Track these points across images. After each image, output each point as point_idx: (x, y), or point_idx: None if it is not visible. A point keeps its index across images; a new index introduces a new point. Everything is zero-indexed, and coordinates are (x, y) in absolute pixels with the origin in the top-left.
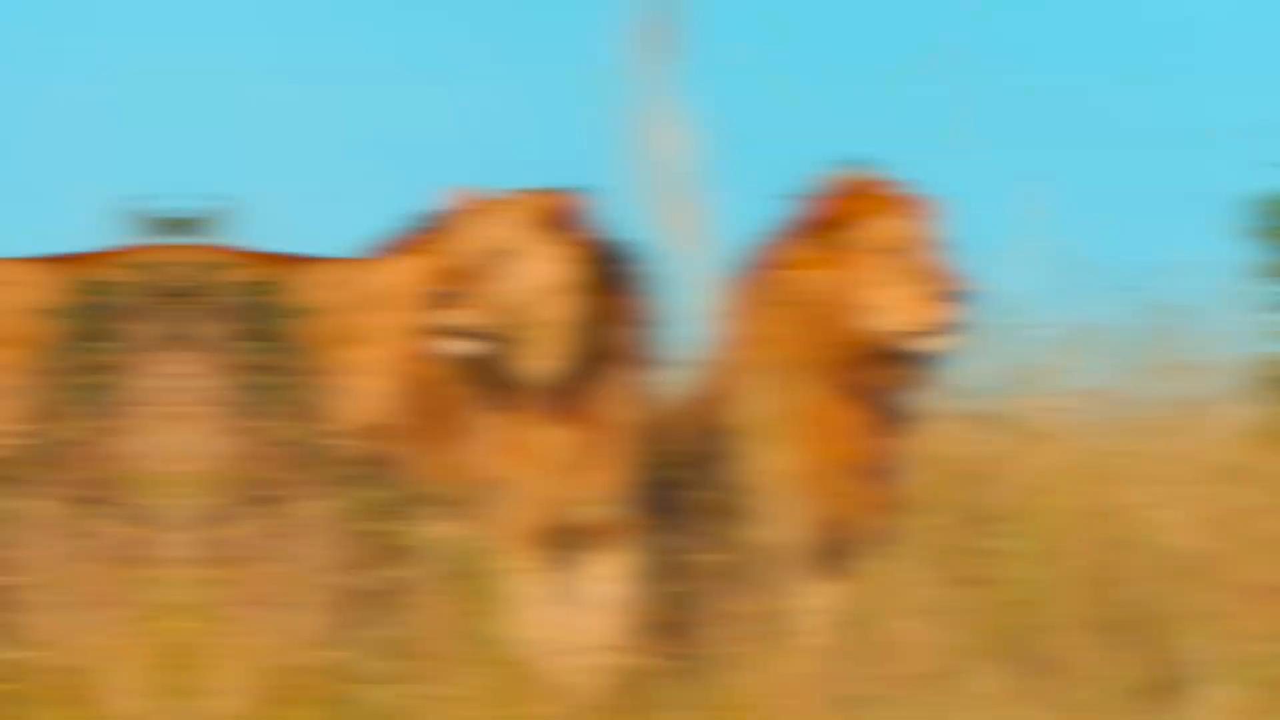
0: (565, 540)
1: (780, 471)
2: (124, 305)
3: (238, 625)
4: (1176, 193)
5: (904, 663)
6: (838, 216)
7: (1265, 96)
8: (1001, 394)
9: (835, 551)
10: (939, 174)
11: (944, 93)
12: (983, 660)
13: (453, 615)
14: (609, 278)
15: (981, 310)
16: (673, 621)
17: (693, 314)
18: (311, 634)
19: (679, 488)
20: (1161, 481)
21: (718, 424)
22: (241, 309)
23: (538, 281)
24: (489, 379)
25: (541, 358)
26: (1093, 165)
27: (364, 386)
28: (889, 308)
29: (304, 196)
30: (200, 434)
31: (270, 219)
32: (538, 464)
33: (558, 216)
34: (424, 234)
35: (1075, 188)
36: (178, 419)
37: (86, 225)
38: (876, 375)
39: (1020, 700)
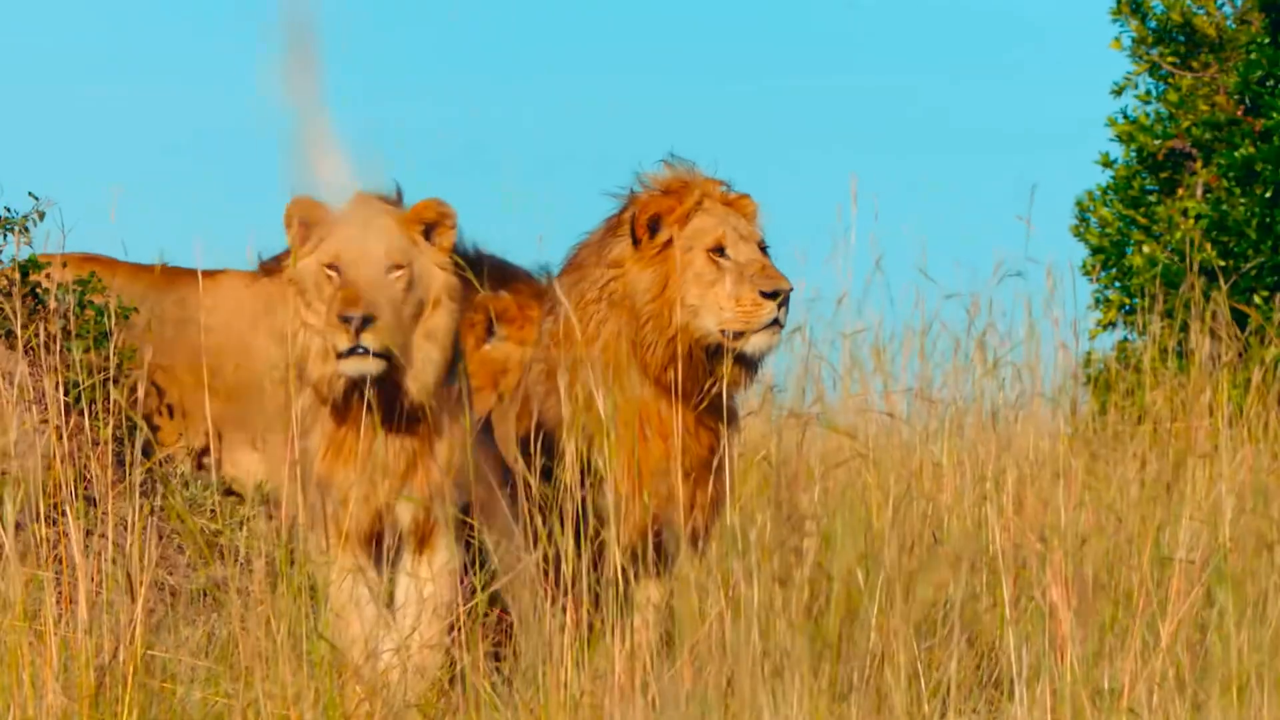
0: (388, 540)
1: (607, 469)
2: None
3: (55, 623)
4: (1001, 192)
5: (726, 661)
6: (659, 215)
7: (1086, 96)
8: (821, 394)
9: (660, 549)
10: (762, 174)
11: (768, 90)
12: (803, 659)
13: (272, 614)
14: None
15: (802, 310)
16: (494, 621)
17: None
18: (130, 632)
19: (504, 486)
20: (981, 480)
21: (543, 423)
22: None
23: (431, 294)
24: (374, 393)
25: (428, 371)
26: (919, 164)
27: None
28: (709, 307)
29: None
30: (17, 432)
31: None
32: (364, 465)
33: (432, 226)
34: (294, 245)
35: (900, 187)
36: None
37: None
38: (699, 374)
39: (840, 699)
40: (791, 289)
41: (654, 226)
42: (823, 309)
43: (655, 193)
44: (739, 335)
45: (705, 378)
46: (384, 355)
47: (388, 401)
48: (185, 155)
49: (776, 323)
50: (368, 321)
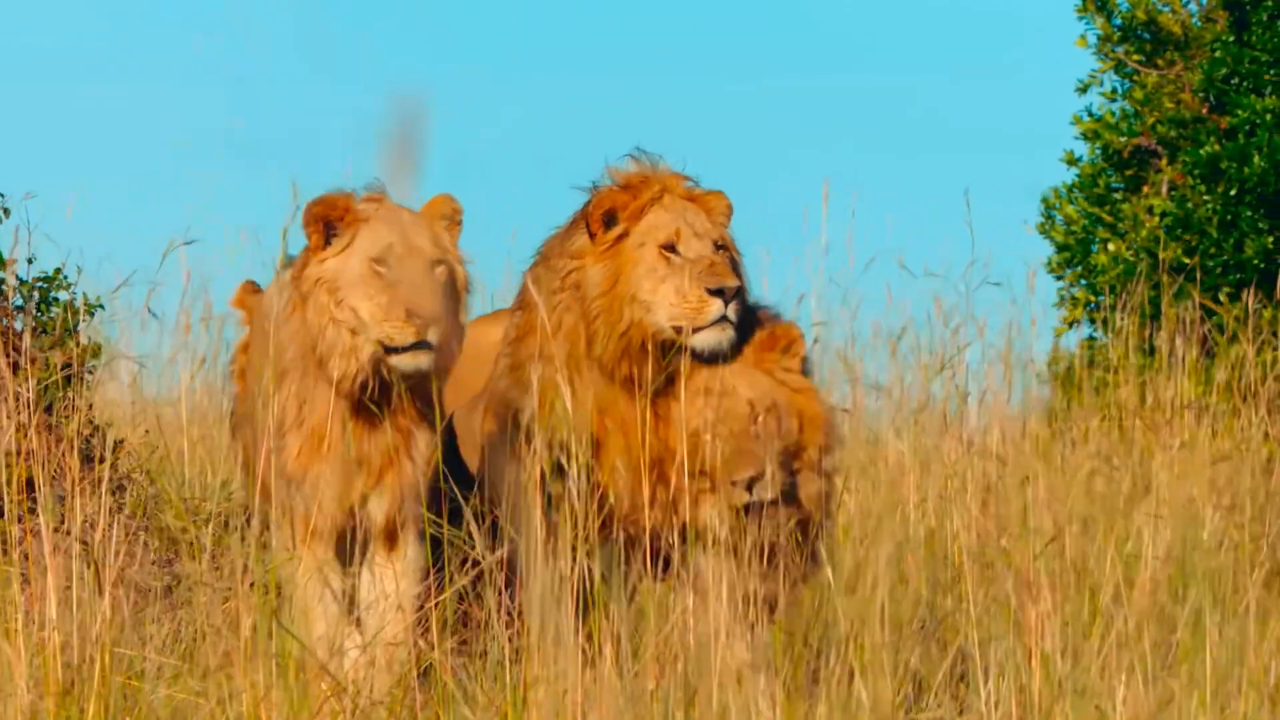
0: (356, 538)
1: (570, 463)
2: None
3: (22, 620)
4: (971, 191)
5: (694, 659)
6: (613, 210)
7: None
8: None
9: (624, 546)
10: (753, 174)
11: (756, 91)
12: (771, 655)
13: (241, 612)
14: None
15: (769, 308)
16: (460, 617)
17: None
18: (97, 630)
19: (468, 484)
20: (946, 477)
21: (505, 416)
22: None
23: (459, 288)
24: (404, 386)
25: (452, 365)
26: (890, 164)
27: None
28: (659, 302)
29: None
30: None
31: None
32: (337, 462)
33: (455, 218)
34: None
35: (872, 186)
36: None
37: None
38: (654, 368)
39: (809, 695)
40: (739, 286)
41: (609, 221)
42: (795, 306)
43: (613, 187)
44: (688, 331)
45: (660, 373)
46: (435, 350)
47: (402, 393)
48: (185, 154)
49: (725, 319)
50: (436, 319)
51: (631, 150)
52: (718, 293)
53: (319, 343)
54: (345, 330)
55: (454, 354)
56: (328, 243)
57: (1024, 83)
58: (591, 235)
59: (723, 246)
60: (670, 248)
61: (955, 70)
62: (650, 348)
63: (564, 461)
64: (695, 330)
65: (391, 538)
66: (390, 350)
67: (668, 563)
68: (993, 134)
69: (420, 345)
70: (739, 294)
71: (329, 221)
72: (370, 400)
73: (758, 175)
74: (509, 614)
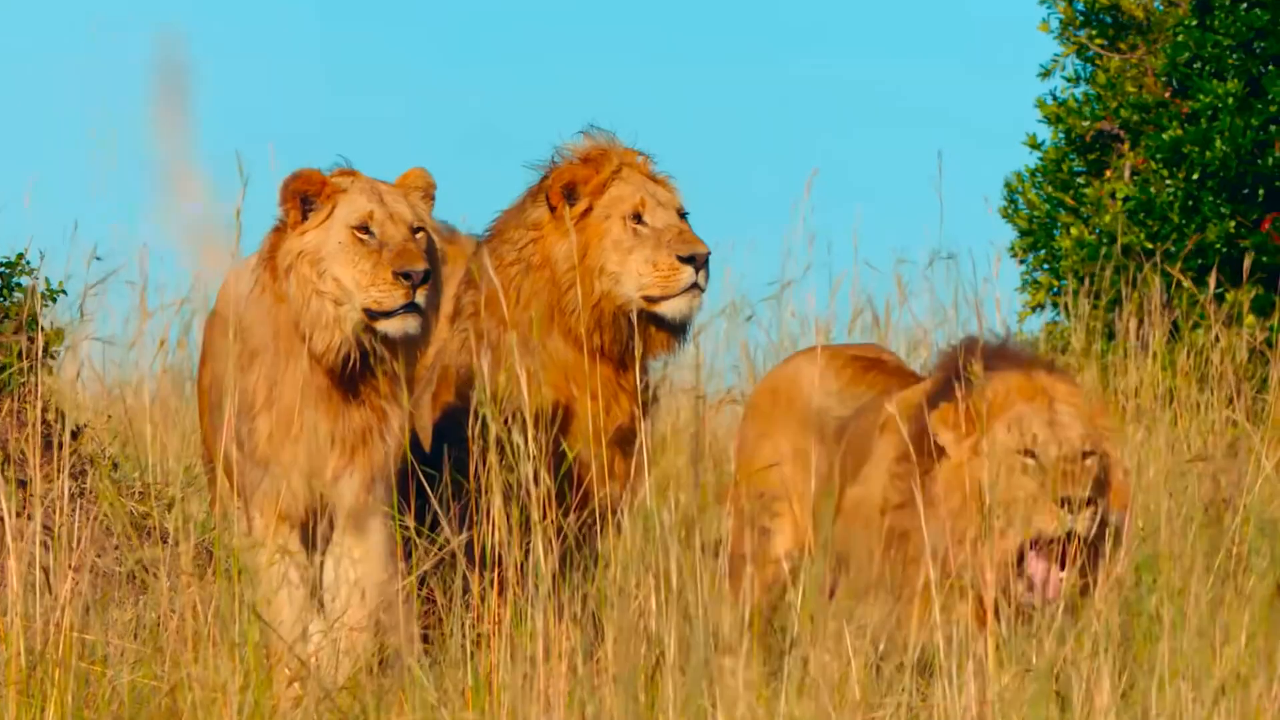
0: (323, 521)
1: (529, 439)
2: None
3: None
4: (935, 175)
5: (655, 642)
6: (574, 184)
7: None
8: (753, 374)
9: (584, 522)
10: (701, 159)
11: (714, 78)
12: (727, 639)
13: (203, 597)
14: None
15: (729, 289)
16: (423, 602)
17: None
18: (60, 615)
19: (431, 466)
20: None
21: (466, 389)
22: None
23: (438, 256)
24: (389, 356)
25: (435, 334)
26: (852, 148)
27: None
28: (628, 273)
29: None
30: None
31: None
32: (308, 443)
33: (429, 192)
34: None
35: (832, 170)
36: None
37: None
38: (624, 339)
39: (765, 681)
40: (709, 252)
41: (570, 194)
42: (753, 289)
43: (573, 161)
44: (659, 300)
45: (629, 342)
46: (424, 313)
47: (382, 369)
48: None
49: (695, 286)
50: (427, 277)
51: (584, 127)
52: (688, 260)
53: (301, 316)
54: (329, 301)
55: (436, 324)
56: (304, 218)
57: (987, 67)
58: (552, 208)
59: (685, 215)
60: (636, 218)
61: (917, 54)
62: (620, 319)
63: (529, 431)
64: (667, 298)
65: (359, 521)
66: (378, 316)
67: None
68: (956, 118)
69: (410, 308)
70: (708, 261)
71: (305, 196)
72: (349, 375)
73: (715, 161)
74: (471, 599)
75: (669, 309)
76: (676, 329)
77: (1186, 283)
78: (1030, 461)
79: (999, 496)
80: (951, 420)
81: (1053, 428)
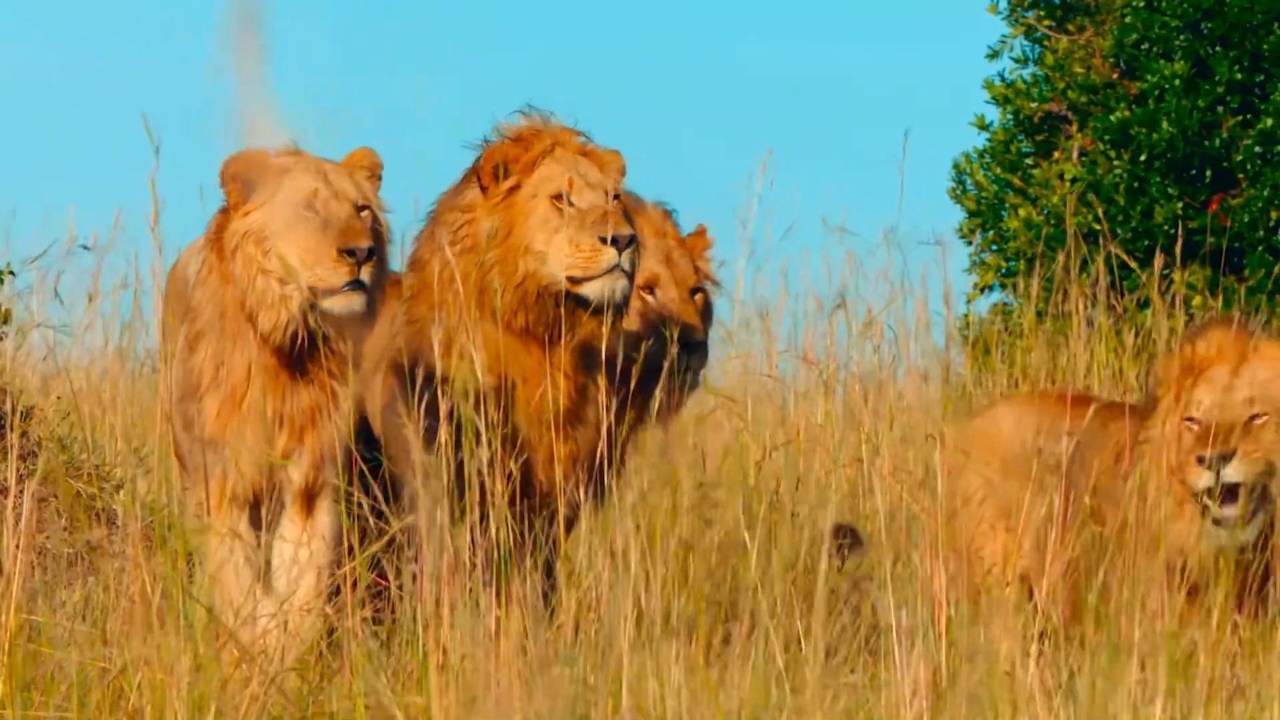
0: (270, 502)
1: (473, 420)
2: None
3: None
4: (886, 157)
5: (599, 623)
6: (505, 162)
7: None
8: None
9: (528, 504)
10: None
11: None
12: (686, 622)
13: (151, 578)
14: None
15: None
16: (371, 582)
17: None
18: (6, 596)
19: (376, 446)
20: (858, 444)
21: (404, 372)
22: None
23: (383, 236)
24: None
25: (376, 307)
26: (804, 130)
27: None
28: (553, 253)
29: None
30: None
31: None
32: (257, 423)
33: (375, 171)
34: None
35: (787, 152)
36: None
37: None
38: (550, 319)
39: (723, 662)
40: (631, 234)
41: (502, 174)
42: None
43: (505, 140)
44: (581, 281)
45: (557, 324)
46: (368, 291)
47: (329, 348)
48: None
49: (619, 268)
50: (371, 254)
51: (521, 106)
52: (611, 241)
53: (248, 296)
54: (274, 280)
55: (381, 301)
56: (248, 199)
57: (935, 48)
58: (483, 188)
59: (617, 197)
60: (564, 198)
61: (865, 36)
62: (544, 299)
63: (474, 412)
64: (589, 279)
65: (308, 501)
66: (323, 294)
67: (570, 524)
68: (904, 99)
69: (355, 284)
70: (633, 242)
71: (247, 179)
72: (296, 354)
73: (666, 143)
74: (414, 580)
75: (591, 290)
76: (600, 310)
77: (1133, 264)
78: (1194, 428)
79: (1170, 457)
80: (1163, 375)
81: (1227, 391)
